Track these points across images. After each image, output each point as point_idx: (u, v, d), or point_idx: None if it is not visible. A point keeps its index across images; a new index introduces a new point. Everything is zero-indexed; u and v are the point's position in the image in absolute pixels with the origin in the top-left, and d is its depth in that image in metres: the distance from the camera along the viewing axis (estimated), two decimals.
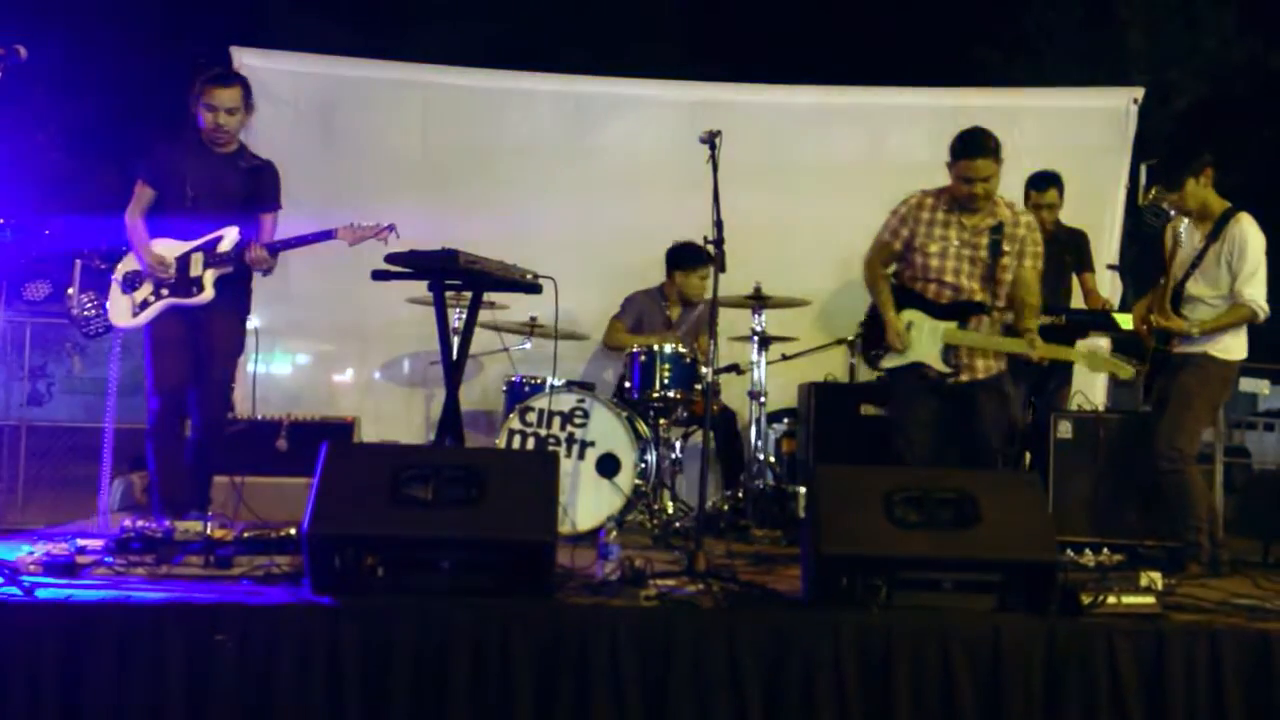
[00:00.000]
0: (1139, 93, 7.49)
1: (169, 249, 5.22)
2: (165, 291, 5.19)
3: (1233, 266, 5.08)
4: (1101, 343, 6.48)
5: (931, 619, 3.80)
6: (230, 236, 5.18)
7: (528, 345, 6.66)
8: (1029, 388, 6.20)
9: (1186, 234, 5.31)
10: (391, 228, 5.17)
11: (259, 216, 5.33)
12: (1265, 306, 5.10)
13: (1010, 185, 6.64)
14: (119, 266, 5.33)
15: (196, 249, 5.19)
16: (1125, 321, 5.88)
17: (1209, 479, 5.48)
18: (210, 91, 5.18)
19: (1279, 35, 18.64)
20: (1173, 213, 5.44)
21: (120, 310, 5.29)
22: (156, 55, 16.03)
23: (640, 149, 7.42)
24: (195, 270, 5.18)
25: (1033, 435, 6.02)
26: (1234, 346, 5.20)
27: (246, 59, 7.08)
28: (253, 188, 5.30)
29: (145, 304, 5.22)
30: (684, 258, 6.76)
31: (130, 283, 5.28)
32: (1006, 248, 5.15)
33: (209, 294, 5.17)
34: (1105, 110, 7.48)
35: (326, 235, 5.19)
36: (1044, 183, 6.44)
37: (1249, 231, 5.09)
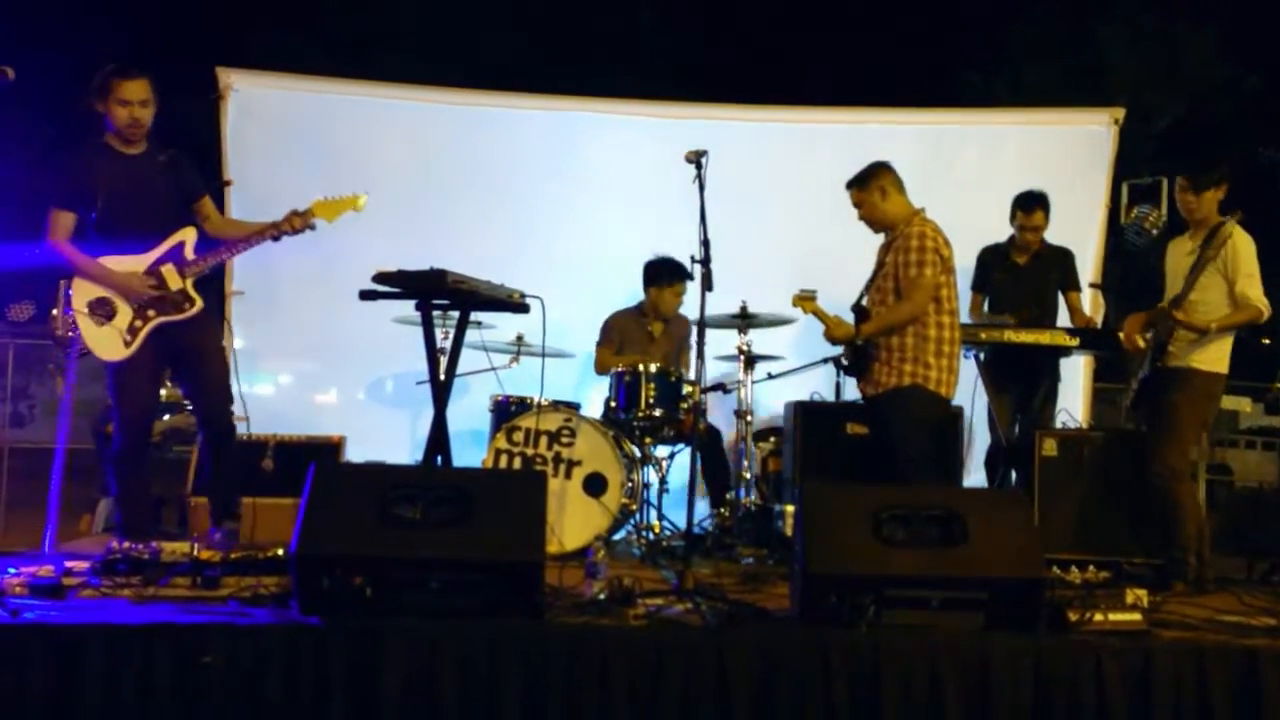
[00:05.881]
0: (1120, 113, 7.55)
1: (131, 265, 4.91)
2: (152, 313, 4.91)
3: (1228, 273, 5.17)
4: None
5: (919, 637, 3.81)
6: (190, 240, 4.97)
7: (514, 364, 6.64)
8: (1014, 405, 6.24)
9: (1179, 244, 5.42)
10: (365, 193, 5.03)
11: (199, 207, 5.10)
12: (1267, 303, 5.18)
13: (990, 203, 6.71)
14: (75, 298, 4.90)
15: (162, 260, 4.94)
16: None
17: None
18: (120, 85, 4.84)
19: (1257, 56, 18.84)
20: (1155, 231, 5.51)
21: (107, 344, 4.89)
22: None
23: (626, 169, 7.44)
24: (175, 283, 4.93)
25: (1019, 453, 6.05)
26: (1218, 360, 5.26)
27: (234, 79, 7.09)
28: (177, 180, 5.03)
29: (134, 329, 4.90)
30: (659, 274, 6.80)
31: (101, 312, 4.88)
32: (887, 258, 5.36)
33: (200, 304, 4.96)
34: (1086, 130, 7.54)
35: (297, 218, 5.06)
36: (1031, 204, 6.45)
37: (1237, 237, 5.18)
